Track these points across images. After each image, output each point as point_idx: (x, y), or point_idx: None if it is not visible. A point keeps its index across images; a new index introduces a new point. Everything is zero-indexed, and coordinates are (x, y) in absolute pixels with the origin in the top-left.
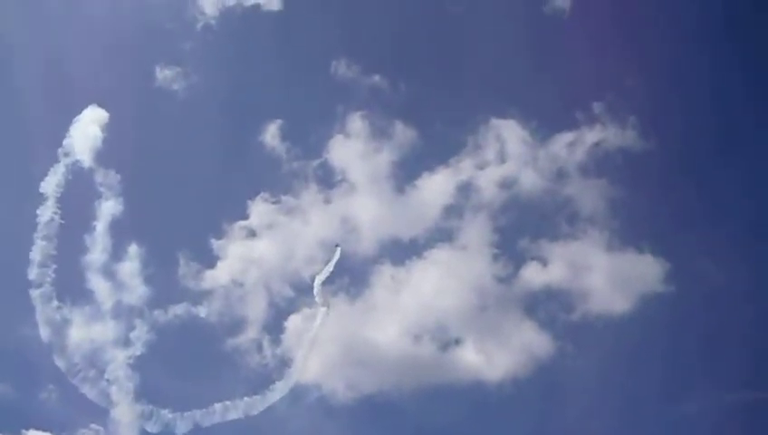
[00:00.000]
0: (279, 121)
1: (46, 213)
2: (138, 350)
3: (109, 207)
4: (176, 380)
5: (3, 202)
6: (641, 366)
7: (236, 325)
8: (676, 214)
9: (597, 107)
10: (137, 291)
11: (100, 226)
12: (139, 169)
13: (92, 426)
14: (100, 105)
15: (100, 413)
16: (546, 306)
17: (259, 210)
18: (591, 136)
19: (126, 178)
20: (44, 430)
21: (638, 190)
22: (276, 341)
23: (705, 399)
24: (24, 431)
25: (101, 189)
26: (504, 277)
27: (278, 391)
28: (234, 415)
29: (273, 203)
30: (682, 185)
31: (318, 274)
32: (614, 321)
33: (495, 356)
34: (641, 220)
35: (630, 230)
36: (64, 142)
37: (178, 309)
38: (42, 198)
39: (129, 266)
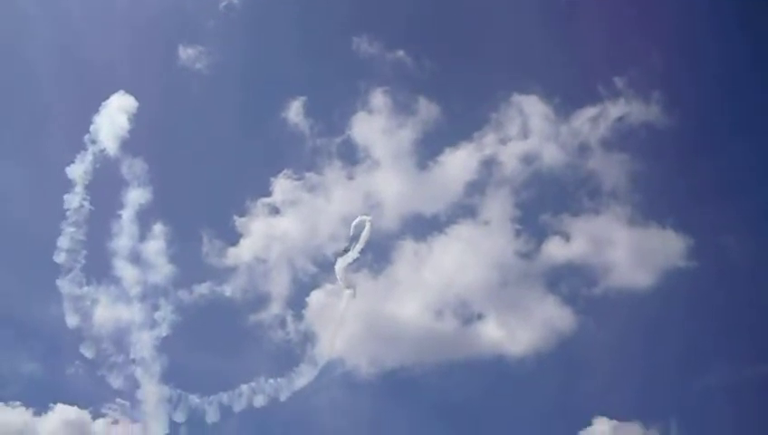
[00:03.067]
0: (302, 98)
1: (75, 199)
2: (163, 331)
3: (136, 195)
4: (201, 359)
5: (31, 187)
6: (662, 341)
7: (260, 302)
8: (699, 189)
9: (620, 81)
10: (162, 270)
11: (128, 210)
12: (163, 148)
13: (118, 401)
14: (124, 85)
15: (127, 389)
16: (568, 281)
17: (282, 187)
18: (615, 111)
19: (150, 156)
20: (71, 405)
21: (661, 165)
22: (299, 316)
23: (726, 373)
24: (51, 405)
25: (128, 177)
26: (526, 252)
27: (306, 374)
28: (261, 399)
29: (297, 180)
30: (705, 160)
31: (342, 253)
32: (636, 296)
33: (517, 331)
34: (664, 195)
35: (653, 205)
36: (91, 129)
37: (203, 288)
38: (69, 184)
39: (154, 246)
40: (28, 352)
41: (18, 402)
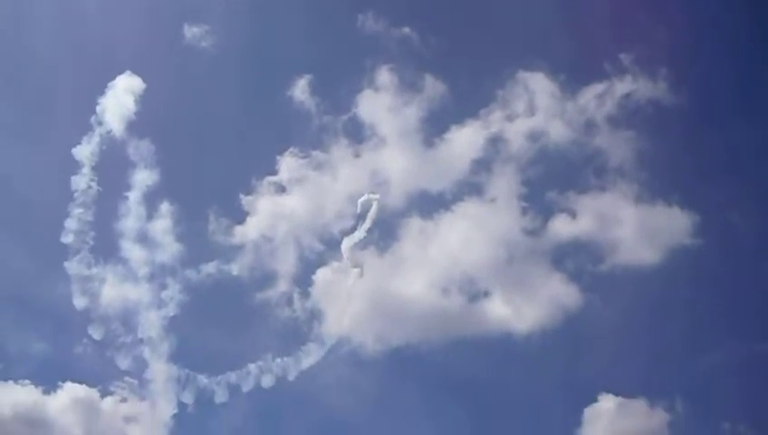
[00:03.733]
0: (308, 76)
1: (82, 180)
2: (171, 310)
3: (143, 175)
4: (208, 338)
5: (37, 168)
6: (668, 318)
7: (266, 280)
8: (706, 167)
9: (626, 58)
10: (169, 249)
11: (135, 191)
12: (169, 127)
13: (127, 380)
14: (130, 65)
15: (135, 369)
16: (574, 258)
17: (288, 165)
18: (621, 88)
19: (155, 135)
20: (80, 384)
21: (667, 142)
22: (305, 294)
23: (731, 350)
24: (60, 384)
25: (134, 158)
26: (533, 230)
27: (314, 353)
28: (269, 378)
29: (303, 158)
30: (712, 138)
31: (350, 232)
32: (642, 273)
33: (523, 308)
34: (670, 173)
35: (659, 183)
36: (97, 110)
37: (210, 267)
38: (76, 165)
39: (161, 225)
40: (37, 331)
41: (28, 381)
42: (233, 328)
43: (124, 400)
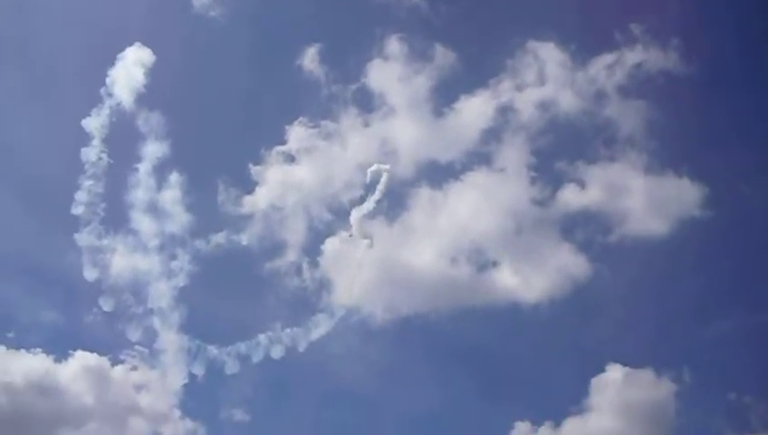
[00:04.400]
0: (317, 45)
1: (92, 152)
2: (180, 280)
3: (152, 145)
4: (218, 308)
5: (48, 140)
6: (676, 289)
7: (275, 250)
8: (717, 137)
9: (637, 28)
10: (179, 220)
11: (145, 162)
12: (179, 98)
13: (137, 348)
14: (139, 34)
15: (146, 339)
16: (583, 229)
17: (297, 135)
18: (632, 57)
19: (164, 106)
20: (91, 352)
21: (678, 113)
22: (314, 264)
23: (739, 321)
24: (71, 352)
25: (144, 130)
26: (541, 200)
27: (324, 324)
28: (279, 349)
29: (312, 127)
30: (723, 108)
31: (359, 202)
32: (651, 244)
33: (532, 278)
34: (680, 143)
35: (669, 153)
36: (107, 81)
37: (219, 238)
38: (86, 137)
39: (171, 195)
40: (48, 301)
41: (39, 350)
42: (242, 298)
43: (134, 368)
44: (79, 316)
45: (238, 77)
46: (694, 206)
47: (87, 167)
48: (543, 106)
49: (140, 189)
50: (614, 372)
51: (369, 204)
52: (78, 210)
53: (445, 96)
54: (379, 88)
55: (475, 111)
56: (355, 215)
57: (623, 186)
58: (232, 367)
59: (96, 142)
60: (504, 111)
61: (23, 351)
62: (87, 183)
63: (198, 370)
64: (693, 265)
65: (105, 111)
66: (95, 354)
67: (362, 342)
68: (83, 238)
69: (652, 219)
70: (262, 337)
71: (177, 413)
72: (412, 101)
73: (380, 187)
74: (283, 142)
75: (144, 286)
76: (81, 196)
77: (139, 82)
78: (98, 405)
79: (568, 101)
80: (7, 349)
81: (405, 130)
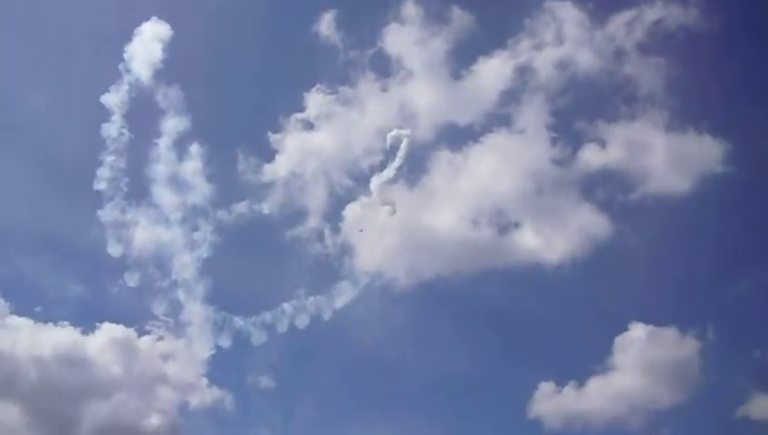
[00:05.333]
0: (333, 11)
1: (113, 128)
2: (204, 252)
3: (172, 119)
4: (242, 277)
5: (68, 116)
6: (699, 247)
7: (297, 216)
8: (738, 94)
9: None
10: (200, 190)
11: (165, 135)
12: (196, 69)
13: (163, 318)
14: (155, 9)
15: (171, 311)
16: (604, 188)
17: (316, 102)
18: (651, 14)
19: (182, 78)
20: (117, 324)
21: (698, 69)
22: (336, 229)
23: (761, 278)
24: (98, 325)
25: (163, 104)
26: (562, 160)
27: (347, 291)
28: (304, 317)
29: (330, 94)
30: (744, 64)
31: (379, 167)
32: (672, 202)
33: (554, 239)
34: (701, 100)
35: (690, 110)
36: (125, 57)
37: (241, 207)
38: (106, 113)
39: (192, 166)
40: (74, 275)
41: (67, 322)
42: (265, 266)
43: (161, 338)
44: (104, 289)
45: (255, 47)
46: (715, 162)
47: (108, 143)
48: (562, 65)
49: (161, 163)
50: (637, 331)
51: (390, 171)
52: (100, 186)
53: (462, 58)
54: (397, 52)
55: (493, 72)
56: (376, 182)
57: (644, 144)
58: (258, 338)
59: (116, 118)
60: (523, 72)
61: (50, 324)
62: (108, 159)
63: (225, 341)
64: (715, 222)
65: (124, 87)
66: (121, 326)
67: (385, 307)
68: (107, 214)
69: (673, 177)
70: (286, 306)
71: (204, 382)
72: (430, 64)
73: (401, 153)
74: (302, 110)
75: (168, 259)
76: (103, 172)
77: (157, 57)
78: (126, 375)
79: (587, 60)
80: (35, 323)
81: (423, 94)
